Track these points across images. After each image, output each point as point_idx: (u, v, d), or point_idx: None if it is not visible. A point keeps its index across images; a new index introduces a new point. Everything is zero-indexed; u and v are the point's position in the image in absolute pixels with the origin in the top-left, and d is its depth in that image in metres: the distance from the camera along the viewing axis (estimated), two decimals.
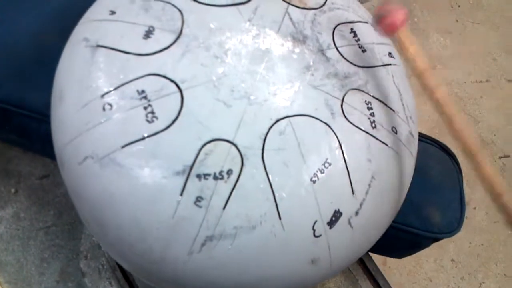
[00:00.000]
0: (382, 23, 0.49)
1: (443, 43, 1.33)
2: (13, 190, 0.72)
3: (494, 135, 1.27)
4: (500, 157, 1.26)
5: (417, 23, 1.33)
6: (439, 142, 0.84)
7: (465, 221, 1.13)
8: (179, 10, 0.48)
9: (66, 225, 0.71)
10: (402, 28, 0.49)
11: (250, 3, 0.50)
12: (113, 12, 0.49)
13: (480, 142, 1.25)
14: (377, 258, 0.83)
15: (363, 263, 0.80)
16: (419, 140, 0.57)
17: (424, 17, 1.34)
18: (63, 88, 0.48)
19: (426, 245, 0.75)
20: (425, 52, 1.29)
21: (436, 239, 0.75)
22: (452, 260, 1.16)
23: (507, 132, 1.28)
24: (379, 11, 0.49)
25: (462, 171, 0.85)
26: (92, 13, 0.52)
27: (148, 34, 0.47)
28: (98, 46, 0.47)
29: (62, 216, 0.71)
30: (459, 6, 1.38)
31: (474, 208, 1.20)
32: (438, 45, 1.32)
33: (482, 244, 1.17)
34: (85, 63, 0.47)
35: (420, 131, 1.18)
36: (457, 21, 1.37)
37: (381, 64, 0.53)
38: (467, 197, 1.15)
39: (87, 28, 0.50)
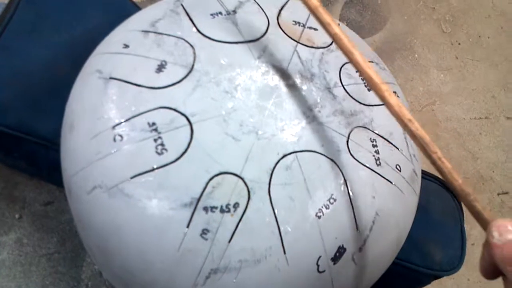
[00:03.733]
0: None
1: (443, 80, 1.34)
2: (17, 216, 0.72)
3: (493, 171, 1.28)
4: (498, 194, 1.27)
5: (418, 59, 1.35)
6: (440, 179, 0.85)
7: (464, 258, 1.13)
8: (191, 46, 0.50)
9: (69, 252, 0.71)
10: None
11: (260, 41, 0.52)
12: (126, 46, 0.50)
13: (479, 178, 1.26)
14: None
15: None
16: (421, 177, 0.58)
17: (425, 54, 1.36)
18: (74, 118, 0.49)
19: (427, 282, 0.75)
20: (425, 88, 1.30)
21: (437, 276, 0.75)
22: None
23: (506, 169, 1.29)
24: None
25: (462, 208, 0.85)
26: (105, 45, 0.53)
27: (160, 68, 0.48)
28: (111, 78, 0.48)
29: (65, 243, 0.71)
30: (459, 43, 1.40)
31: (473, 244, 1.20)
32: (438, 82, 1.34)
33: (480, 281, 1.17)
34: (98, 94, 0.48)
35: (421, 168, 1.19)
36: (457, 58, 1.39)
37: None
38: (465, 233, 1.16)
39: (101, 60, 0.51)
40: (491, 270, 0.35)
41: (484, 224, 0.36)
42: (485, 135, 1.31)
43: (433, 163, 0.39)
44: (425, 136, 0.39)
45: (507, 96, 1.37)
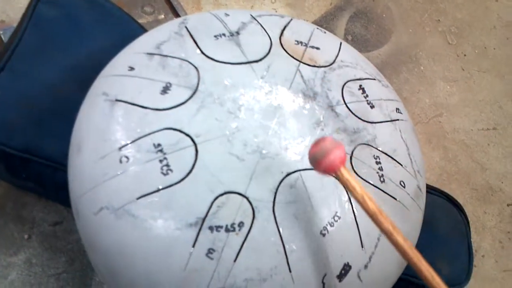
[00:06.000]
0: (320, 166, 0.41)
1: (449, 91, 1.34)
2: (26, 236, 0.73)
3: (502, 182, 1.27)
4: (508, 205, 1.26)
5: (424, 72, 1.35)
6: (446, 193, 0.85)
7: (474, 270, 1.11)
8: (196, 67, 0.50)
9: (78, 271, 0.71)
10: (343, 166, 0.41)
11: (263, 61, 0.52)
12: (132, 68, 0.51)
13: (488, 189, 1.25)
14: None
15: None
16: (426, 191, 0.58)
17: (431, 66, 1.36)
18: (81, 140, 0.50)
19: None
20: (431, 100, 1.30)
21: None
22: None
23: None
24: (315, 153, 0.41)
25: (471, 218, 0.84)
26: (111, 68, 0.54)
27: (165, 89, 0.49)
28: (117, 100, 0.49)
29: (74, 263, 0.72)
30: (464, 55, 1.40)
31: (483, 256, 1.19)
32: (445, 93, 1.34)
33: None
34: (104, 116, 0.49)
35: (428, 178, 1.18)
36: (463, 69, 1.39)
37: (389, 119, 0.54)
38: (475, 245, 1.14)
39: (107, 82, 0.52)
40: None
41: None
42: (493, 146, 1.31)
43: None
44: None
45: None
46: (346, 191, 0.48)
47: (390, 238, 0.40)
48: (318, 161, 0.41)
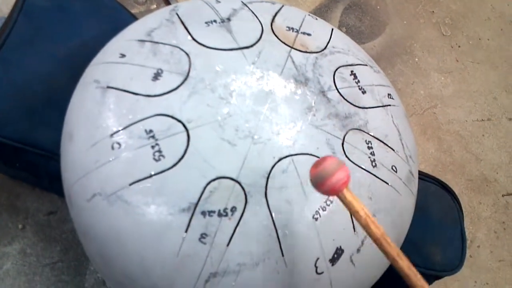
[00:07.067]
0: (322, 187, 0.39)
1: (444, 83, 1.35)
2: (20, 226, 0.73)
3: (497, 173, 1.28)
4: (503, 195, 1.26)
5: (418, 63, 1.36)
6: (440, 180, 0.85)
7: (470, 260, 1.12)
8: (187, 54, 0.50)
9: (72, 261, 0.71)
10: (346, 188, 0.39)
11: (254, 47, 0.52)
12: (123, 55, 0.51)
13: (483, 180, 1.25)
14: None
15: None
16: (420, 178, 0.58)
17: (425, 57, 1.36)
18: (73, 127, 0.50)
19: (428, 283, 0.75)
20: (426, 92, 1.30)
21: (438, 277, 0.75)
22: None
23: (510, 170, 1.29)
24: (316, 174, 0.39)
25: (466, 209, 0.84)
26: (102, 56, 0.54)
27: (156, 76, 0.49)
28: (108, 87, 0.49)
29: (68, 252, 0.72)
30: (459, 46, 1.40)
31: (478, 246, 1.19)
32: (439, 85, 1.34)
33: (487, 283, 1.16)
34: (95, 103, 0.49)
35: (423, 169, 1.18)
36: (457, 60, 1.39)
37: (380, 105, 0.55)
38: (471, 235, 1.15)
39: (98, 70, 0.52)
40: None
41: None
42: (487, 136, 1.31)
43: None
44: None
45: (508, 97, 1.36)
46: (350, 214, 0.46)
47: (395, 264, 0.39)
48: (320, 183, 0.39)
